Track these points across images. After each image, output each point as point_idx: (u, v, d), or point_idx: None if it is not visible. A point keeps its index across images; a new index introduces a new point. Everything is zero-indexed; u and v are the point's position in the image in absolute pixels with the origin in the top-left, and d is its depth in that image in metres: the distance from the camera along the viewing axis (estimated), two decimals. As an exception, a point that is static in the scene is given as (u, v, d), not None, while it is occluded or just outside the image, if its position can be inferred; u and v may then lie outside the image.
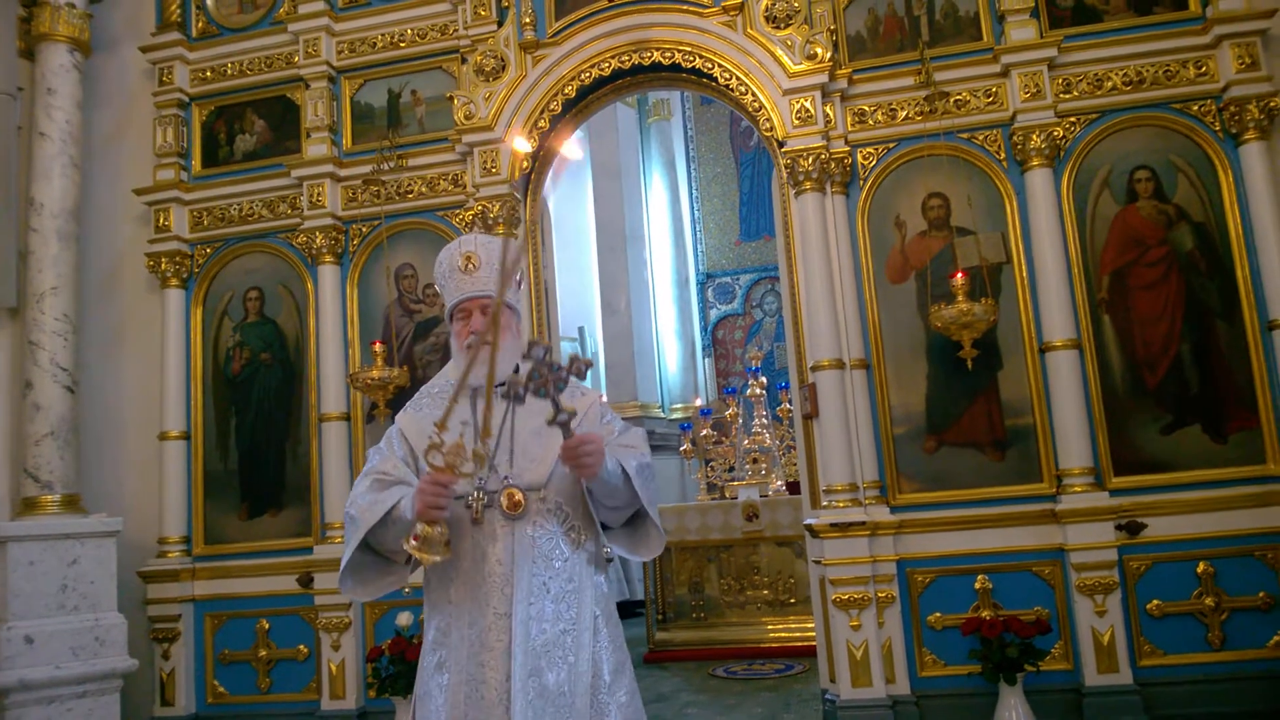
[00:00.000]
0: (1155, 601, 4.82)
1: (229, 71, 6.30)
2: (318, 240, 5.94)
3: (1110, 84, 5.16)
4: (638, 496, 2.41)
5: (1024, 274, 5.14)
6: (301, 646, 5.73)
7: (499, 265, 2.42)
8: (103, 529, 5.28)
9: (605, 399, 2.59)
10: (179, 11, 6.36)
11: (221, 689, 5.82)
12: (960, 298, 4.82)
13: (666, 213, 12.83)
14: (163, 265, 6.14)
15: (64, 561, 5.12)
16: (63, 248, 5.56)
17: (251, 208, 6.16)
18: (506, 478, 2.37)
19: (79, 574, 5.16)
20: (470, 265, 2.52)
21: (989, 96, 5.27)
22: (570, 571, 2.38)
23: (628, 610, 9.96)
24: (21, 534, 5.03)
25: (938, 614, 4.99)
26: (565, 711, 2.27)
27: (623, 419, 2.66)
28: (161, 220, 6.19)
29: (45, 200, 5.54)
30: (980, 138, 5.28)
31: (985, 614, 4.85)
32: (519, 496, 2.35)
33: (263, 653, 5.77)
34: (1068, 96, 5.18)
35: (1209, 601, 4.77)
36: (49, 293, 5.46)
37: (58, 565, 5.09)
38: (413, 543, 2.21)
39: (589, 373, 2.27)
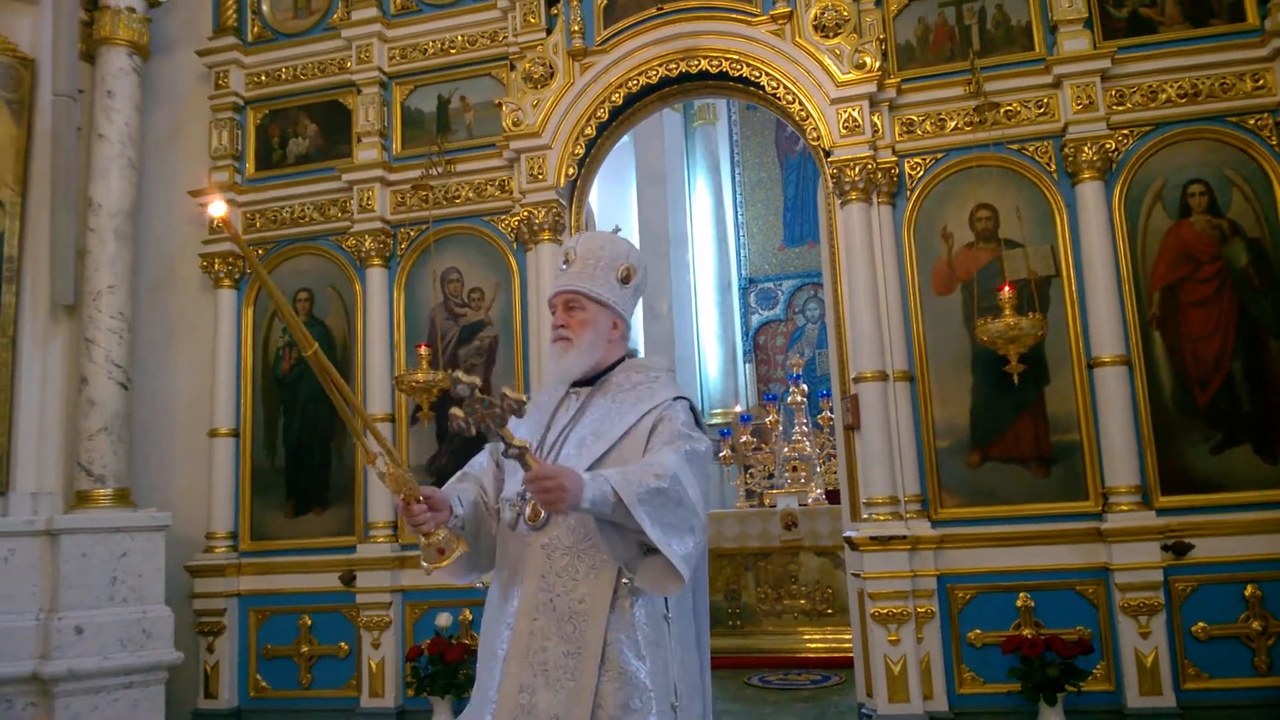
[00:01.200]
0: (1201, 624, 4.73)
1: (283, 76, 6.41)
2: (366, 243, 6.03)
3: (1164, 96, 5.08)
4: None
5: (1073, 288, 5.08)
6: (342, 644, 5.81)
7: (594, 261, 2.45)
8: (152, 523, 5.39)
9: (683, 399, 2.40)
10: (235, 16, 6.49)
11: (264, 683, 5.92)
12: (1007, 311, 4.77)
13: (710, 217, 12.80)
14: (216, 266, 6.26)
15: (114, 554, 5.24)
16: (119, 247, 5.68)
17: (303, 210, 6.26)
18: None
19: (128, 567, 5.28)
20: (566, 261, 2.51)
21: (1040, 107, 5.21)
22: (583, 592, 2.23)
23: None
24: (74, 527, 5.15)
25: (978, 631, 4.94)
26: None
27: (696, 442, 2.35)
28: (215, 222, 6.31)
29: (103, 200, 5.67)
30: (1030, 149, 5.22)
31: (1027, 632, 4.80)
32: (532, 506, 2.31)
33: (304, 649, 5.86)
34: (1121, 108, 5.11)
35: (1256, 625, 4.68)
36: (105, 291, 5.58)
37: (108, 558, 5.21)
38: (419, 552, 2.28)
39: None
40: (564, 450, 2.38)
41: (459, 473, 2.58)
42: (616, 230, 2.63)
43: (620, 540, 2.21)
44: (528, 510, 2.32)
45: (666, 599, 2.30)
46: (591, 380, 2.47)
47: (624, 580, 2.22)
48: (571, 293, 2.45)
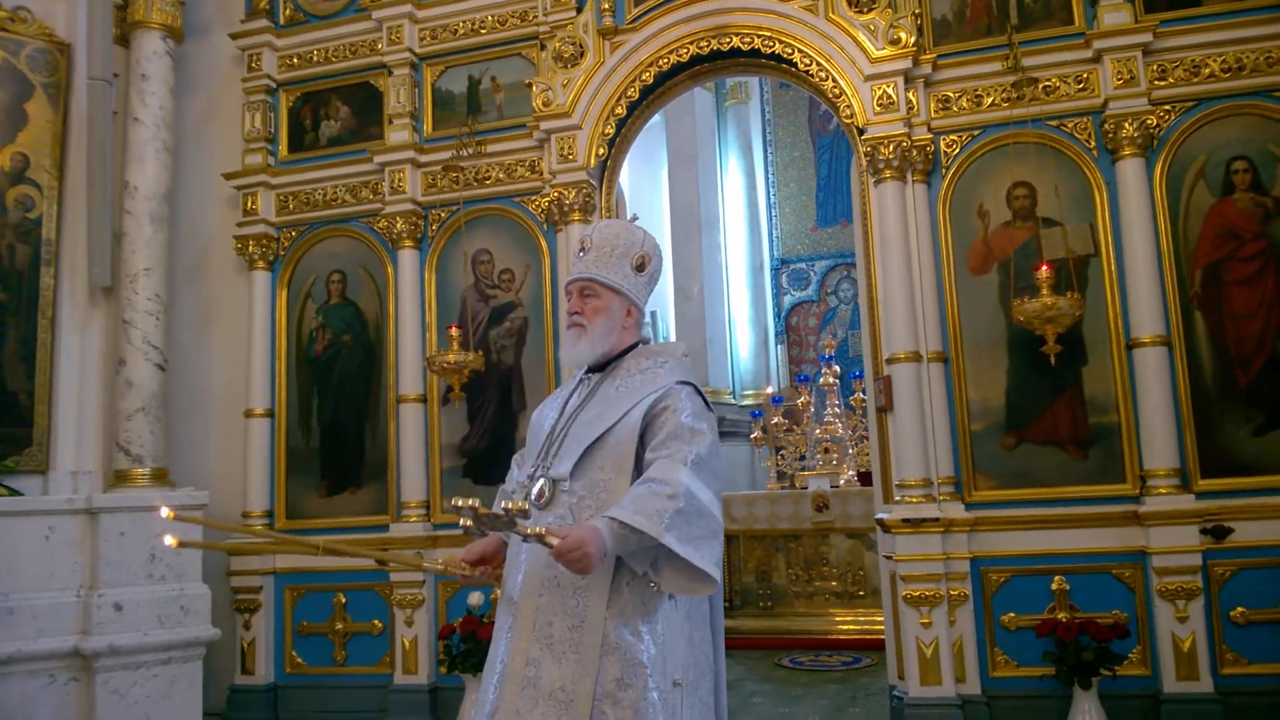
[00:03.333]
0: (1240, 609, 4.66)
1: (315, 58, 6.43)
2: (398, 225, 6.04)
3: (1207, 71, 4.95)
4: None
5: (1112, 267, 4.98)
6: (376, 621, 5.87)
7: (609, 249, 2.48)
8: (190, 502, 5.46)
9: (687, 384, 2.45)
10: (267, -1, 6.52)
11: (299, 660, 6.00)
12: (1045, 291, 4.69)
13: (742, 197, 12.72)
14: (250, 248, 6.31)
15: (152, 533, 5.30)
16: (155, 230, 5.74)
17: (335, 192, 6.29)
18: (550, 468, 2.40)
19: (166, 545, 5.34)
20: (583, 248, 2.54)
21: (1079, 83, 5.11)
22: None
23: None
24: (113, 505, 5.23)
25: (1012, 614, 4.89)
26: (560, 708, 2.20)
27: (701, 438, 2.35)
28: (249, 204, 6.36)
29: (139, 184, 5.73)
30: (1069, 125, 5.13)
31: (1061, 616, 4.75)
32: (545, 488, 2.38)
33: (339, 626, 5.93)
34: (1162, 84, 4.99)
35: (1298, 610, 4.61)
36: (142, 274, 5.65)
37: (146, 536, 5.28)
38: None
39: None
40: (570, 433, 2.43)
41: (500, 489, 2.66)
42: (634, 219, 2.65)
43: (637, 553, 2.24)
44: (534, 490, 2.39)
45: None
46: (604, 366, 2.53)
47: (651, 585, 2.28)
48: (586, 280, 2.49)
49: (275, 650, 6.02)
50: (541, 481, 2.39)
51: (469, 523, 2.17)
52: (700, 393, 2.44)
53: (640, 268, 2.50)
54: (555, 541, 2.11)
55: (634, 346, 2.55)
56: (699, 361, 11.75)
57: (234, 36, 6.50)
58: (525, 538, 2.14)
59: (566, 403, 2.54)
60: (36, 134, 5.45)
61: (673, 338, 12.14)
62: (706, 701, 2.41)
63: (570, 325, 2.50)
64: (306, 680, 5.96)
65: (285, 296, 6.33)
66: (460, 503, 2.12)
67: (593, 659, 2.20)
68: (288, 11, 6.55)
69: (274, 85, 6.49)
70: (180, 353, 6.19)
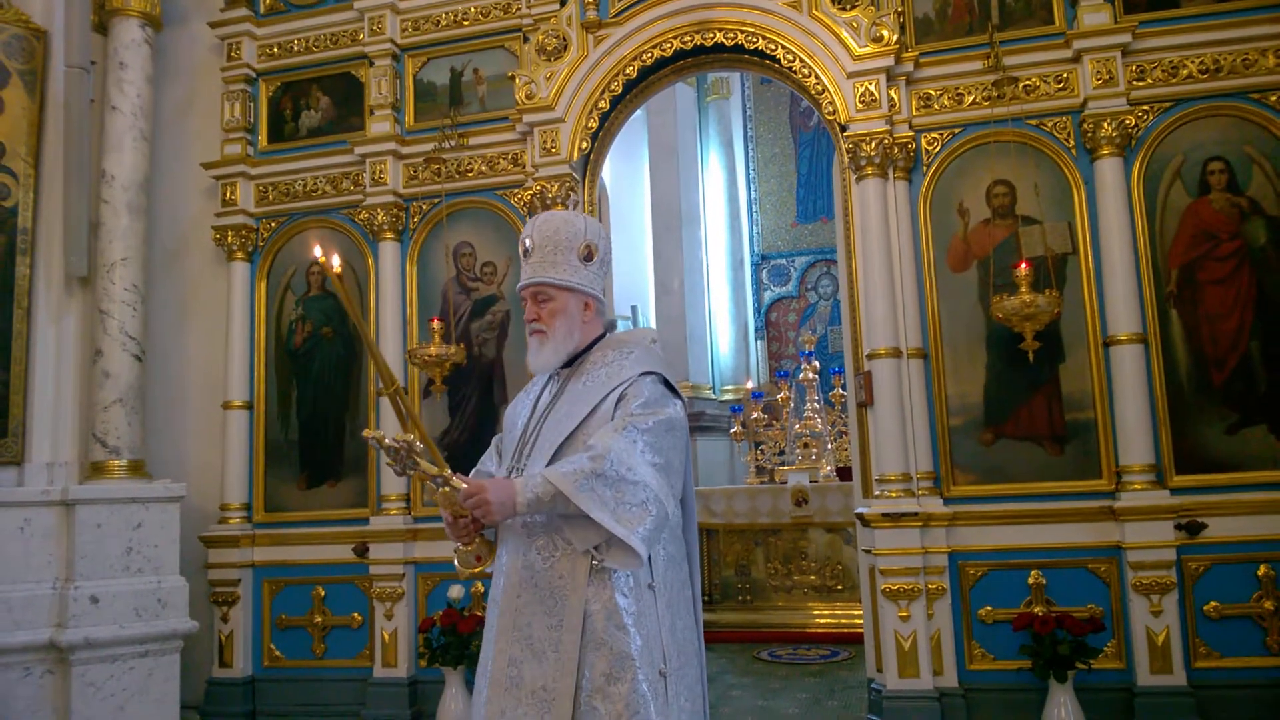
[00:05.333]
0: (1213, 603, 4.73)
1: (295, 48, 6.38)
2: (379, 217, 6.02)
3: (1185, 72, 5.01)
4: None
5: (1090, 265, 5.04)
6: (355, 614, 5.86)
7: (551, 246, 2.44)
8: (167, 494, 5.42)
9: (651, 374, 2.41)
10: (247, -13, 6.46)
11: (278, 653, 5.98)
12: (1023, 288, 4.73)
13: (723, 193, 12.74)
14: (229, 238, 6.27)
15: (129, 525, 5.27)
16: (132, 219, 5.68)
17: (315, 183, 6.25)
18: (524, 469, 2.41)
19: (143, 537, 5.31)
20: (526, 251, 2.50)
21: (1059, 82, 5.15)
22: (561, 568, 2.28)
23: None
24: (89, 497, 5.18)
25: (989, 608, 4.94)
26: (539, 708, 2.21)
27: (652, 414, 2.32)
28: (228, 194, 6.31)
29: (116, 173, 5.67)
30: (1049, 124, 5.17)
31: (1038, 610, 4.80)
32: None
33: (318, 619, 5.91)
34: (1141, 84, 5.04)
35: (1268, 605, 4.67)
36: (119, 263, 5.59)
37: (123, 528, 5.24)
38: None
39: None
40: (542, 432, 2.44)
41: (475, 470, 2.67)
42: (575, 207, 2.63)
43: (587, 527, 2.23)
44: None
45: (654, 570, 2.34)
46: (573, 362, 2.52)
47: (594, 561, 2.26)
48: (537, 285, 2.45)
49: (254, 643, 5.99)
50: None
51: (389, 460, 2.21)
52: (666, 380, 2.42)
53: (588, 256, 2.45)
54: (459, 485, 2.20)
55: (601, 337, 2.54)
56: (679, 356, 11.77)
57: (213, 25, 6.45)
58: (431, 478, 2.20)
59: (538, 400, 2.55)
60: (12, 122, 5.37)
61: (632, 328, 12.13)
62: (694, 689, 2.42)
63: (531, 334, 2.48)
64: (285, 673, 5.94)
65: (264, 288, 6.29)
66: (369, 434, 2.19)
67: (573, 656, 2.21)
68: (268, 1, 6.50)
69: (254, 75, 6.44)
70: (158, 344, 6.13)
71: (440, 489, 2.25)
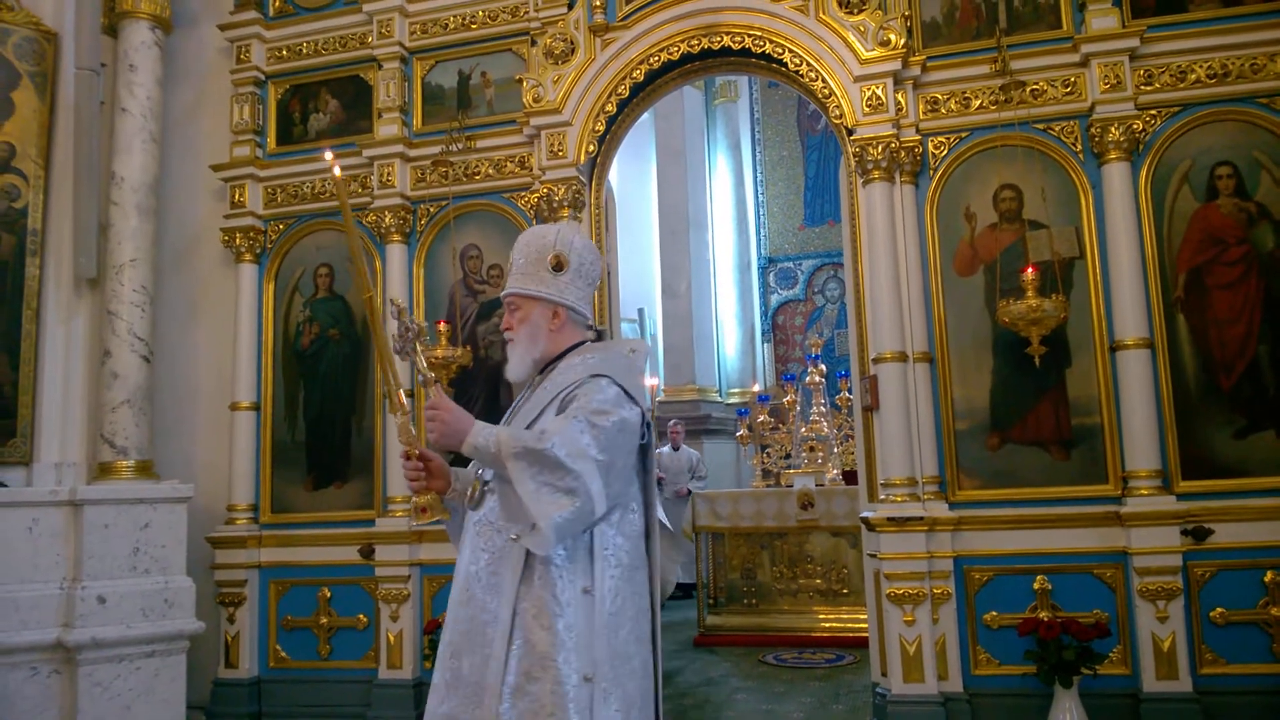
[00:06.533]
0: (1219, 609, 4.71)
1: (304, 51, 6.41)
2: (387, 219, 6.03)
3: (1193, 76, 5.00)
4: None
5: (1097, 270, 5.03)
6: (361, 616, 5.87)
7: (524, 259, 2.54)
8: (174, 495, 5.44)
9: (606, 380, 2.38)
10: (257, -10, 6.48)
11: (284, 654, 5.99)
12: (1030, 293, 4.73)
13: (730, 196, 12.76)
14: (237, 240, 6.29)
15: (137, 525, 5.29)
16: (142, 221, 5.71)
17: (323, 185, 6.27)
18: (480, 469, 2.47)
19: (150, 538, 5.33)
20: (511, 263, 2.60)
21: (1067, 87, 5.14)
22: (499, 564, 2.32)
23: (681, 592, 10.01)
24: (97, 497, 5.20)
25: (994, 613, 4.93)
26: (471, 701, 2.26)
27: (604, 413, 2.30)
28: (237, 196, 6.34)
29: (126, 174, 5.69)
30: (1056, 129, 5.17)
31: (1043, 615, 4.79)
32: (476, 486, 2.47)
33: (324, 620, 5.92)
34: (1149, 89, 5.03)
35: (1275, 611, 4.65)
36: (128, 265, 5.61)
37: (131, 528, 5.26)
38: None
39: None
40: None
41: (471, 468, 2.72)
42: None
43: (515, 504, 2.27)
44: (468, 490, 2.49)
45: (594, 575, 2.32)
46: (547, 369, 2.58)
47: (510, 538, 2.31)
48: (509, 296, 2.55)
49: (259, 644, 6.00)
50: (474, 481, 2.49)
51: (393, 335, 2.44)
52: (620, 384, 2.38)
53: (558, 266, 2.50)
54: (432, 395, 2.34)
55: (578, 345, 2.55)
56: (686, 359, 11.79)
57: (223, 28, 6.47)
58: (421, 373, 2.39)
59: (512, 405, 2.64)
60: (23, 123, 5.40)
61: (660, 336, 12.17)
62: (636, 702, 2.36)
63: (506, 343, 2.58)
64: (291, 674, 5.95)
65: (272, 289, 6.31)
66: (396, 301, 2.46)
67: (500, 653, 2.25)
68: (277, 3, 6.53)
69: (262, 77, 6.46)
70: (166, 345, 6.16)
71: (424, 386, 2.39)
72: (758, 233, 13.04)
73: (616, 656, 2.31)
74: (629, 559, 2.40)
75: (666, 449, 9.87)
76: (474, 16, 6.12)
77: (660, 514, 2.61)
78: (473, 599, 2.34)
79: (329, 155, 2.67)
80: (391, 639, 5.71)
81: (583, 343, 2.56)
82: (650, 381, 11.81)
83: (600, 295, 5.95)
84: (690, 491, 9.72)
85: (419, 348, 2.41)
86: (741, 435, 9.42)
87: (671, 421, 10.44)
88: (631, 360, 2.52)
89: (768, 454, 9.02)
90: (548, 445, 2.20)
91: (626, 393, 2.37)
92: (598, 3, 5.73)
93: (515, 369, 2.54)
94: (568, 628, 2.26)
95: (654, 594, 2.49)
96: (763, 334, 12.84)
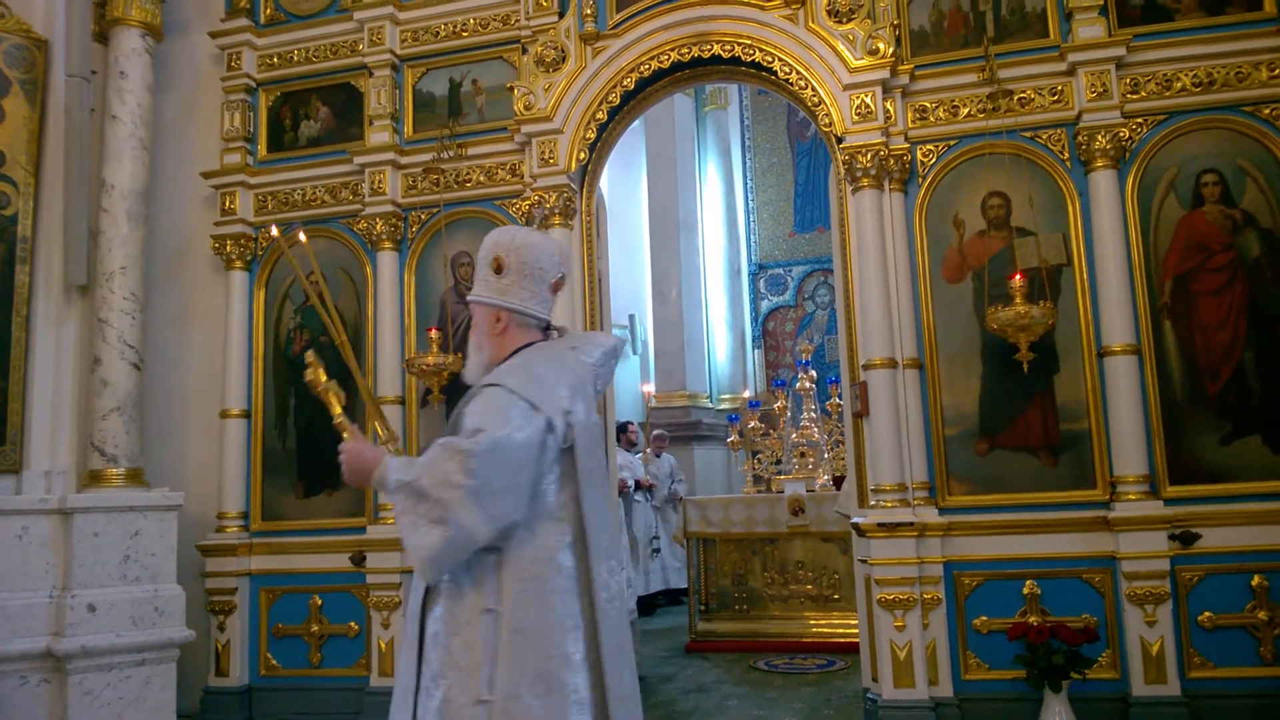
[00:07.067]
0: (1207, 613, 4.74)
1: (295, 58, 6.41)
2: (378, 226, 6.04)
3: (1179, 85, 5.05)
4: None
5: (1084, 277, 5.06)
6: (352, 623, 5.86)
7: (476, 268, 2.54)
8: (164, 503, 5.44)
9: (495, 389, 2.30)
10: (248, -2, 6.49)
11: (274, 662, 5.98)
12: (1018, 299, 4.76)
13: (720, 202, 12.80)
14: (228, 247, 6.29)
15: (127, 533, 5.28)
16: (132, 228, 5.71)
17: (314, 193, 6.27)
18: None
19: (140, 546, 5.32)
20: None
21: (1054, 95, 5.18)
22: (418, 582, 2.40)
23: (671, 598, 10.02)
24: (87, 506, 5.19)
25: (984, 617, 4.96)
26: (403, 696, 2.35)
27: (476, 432, 2.21)
28: (227, 203, 6.34)
29: (116, 181, 5.69)
30: (1044, 137, 5.20)
31: (1032, 619, 4.81)
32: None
33: (315, 628, 5.91)
34: (1135, 97, 5.08)
35: (1262, 615, 4.69)
36: (118, 272, 5.61)
37: (121, 537, 5.25)
38: None
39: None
40: None
41: None
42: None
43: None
44: None
45: (499, 594, 2.25)
46: None
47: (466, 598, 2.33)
48: (471, 303, 2.57)
49: (250, 652, 5.99)
50: None
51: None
52: (517, 391, 2.27)
53: (498, 269, 2.46)
54: (346, 438, 2.41)
55: (526, 346, 2.48)
56: (676, 365, 11.82)
57: (214, 35, 6.48)
58: (334, 416, 2.47)
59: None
60: (12, 130, 5.40)
61: (650, 341, 12.19)
62: None
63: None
64: (282, 682, 5.93)
65: (263, 296, 6.31)
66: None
67: (411, 662, 2.33)
68: (268, 11, 6.54)
69: (253, 84, 6.47)
70: (156, 352, 6.15)
71: (341, 430, 2.46)
72: (748, 239, 13.08)
73: (526, 677, 2.19)
74: (548, 573, 2.27)
75: (635, 458, 9.87)
76: (465, 24, 6.14)
77: (606, 520, 2.45)
78: (409, 614, 2.42)
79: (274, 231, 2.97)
80: (383, 646, 5.71)
81: (531, 344, 2.48)
82: (646, 388, 11.84)
83: (591, 301, 5.97)
84: (680, 496, 9.78)
85: (332, 399, 2.49)
86: (732, 441, 9.44)
87: (655, 431, 10.49)
88: (567, 360, 2.42)
89: (758, 460, 9.04)
90: (413, 476, 2.22)
91: (529, 400, 2.26)
92: (589, 11, 5.76)
93: (468, 376, 2.54)
94: (463, 647, 2.23)
95: (596, 608, 2.29)
96: (753, 340, 12.87)
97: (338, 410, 2.48)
